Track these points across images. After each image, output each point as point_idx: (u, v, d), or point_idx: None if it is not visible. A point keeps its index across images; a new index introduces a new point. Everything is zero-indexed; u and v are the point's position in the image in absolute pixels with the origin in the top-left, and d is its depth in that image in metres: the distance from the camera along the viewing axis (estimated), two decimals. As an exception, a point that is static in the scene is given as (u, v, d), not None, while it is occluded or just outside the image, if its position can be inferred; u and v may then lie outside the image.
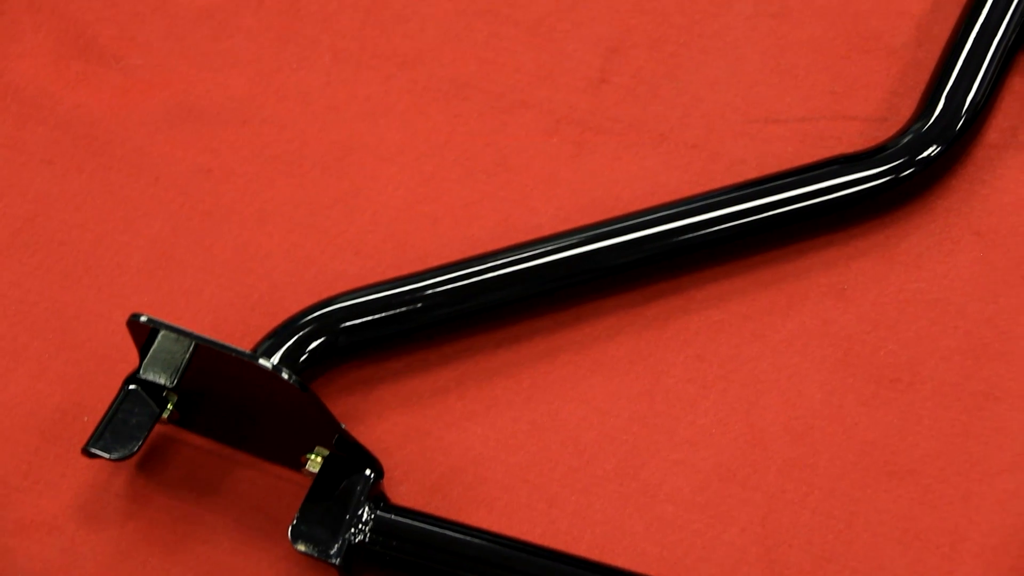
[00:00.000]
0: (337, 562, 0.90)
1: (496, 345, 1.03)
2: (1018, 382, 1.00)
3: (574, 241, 1.02)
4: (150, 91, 1.14)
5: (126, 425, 0.95)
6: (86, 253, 1.07)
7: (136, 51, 1.16)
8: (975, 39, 1.09)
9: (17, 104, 1.14)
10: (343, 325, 0.98)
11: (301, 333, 0.97)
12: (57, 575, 0.95)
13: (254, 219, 1.08)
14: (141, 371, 0.95)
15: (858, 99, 1.12)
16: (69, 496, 0.98)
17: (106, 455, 0.94)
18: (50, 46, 1.16)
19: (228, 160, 1.11)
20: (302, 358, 0.97)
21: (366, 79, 1.15)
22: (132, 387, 0.96)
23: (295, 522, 0.91)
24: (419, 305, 0.99)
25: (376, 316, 0.99)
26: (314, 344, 0.97)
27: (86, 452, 0.94)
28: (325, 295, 1.00)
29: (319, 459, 0.93)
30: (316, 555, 0.90)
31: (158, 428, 0.98)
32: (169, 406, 0.96)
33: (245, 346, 0.99)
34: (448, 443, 0.99)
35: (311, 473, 0.94)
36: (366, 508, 0.92)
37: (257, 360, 0.88)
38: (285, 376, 0.87)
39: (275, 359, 0.96)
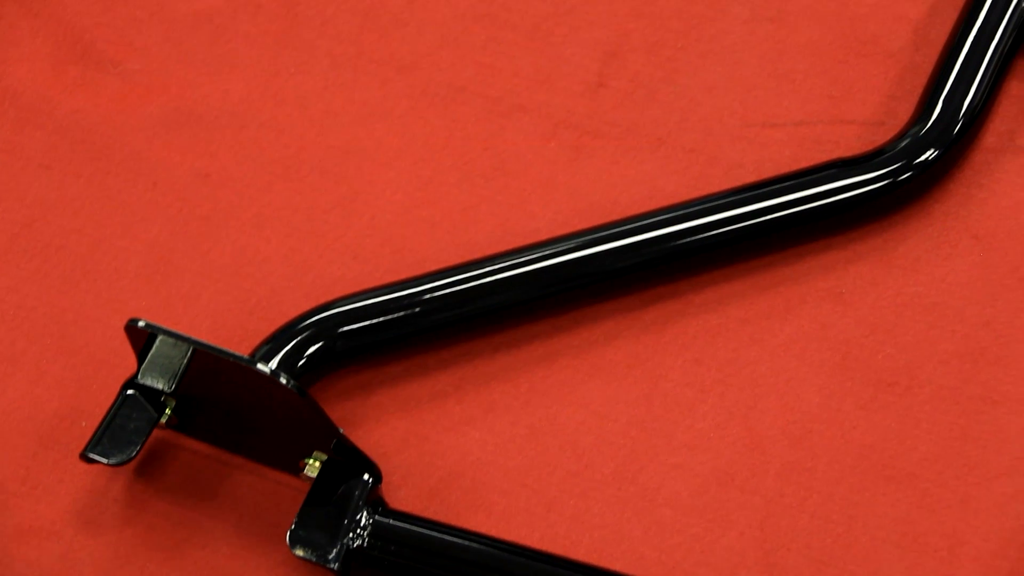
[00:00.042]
0: (335, 567, 0.90)
1: (494, 349, 1.03)
2: (1016, 386, 1.00)
3: (572, 245, 1.02)
4: (148, 96, 1.14)
5: (124, 430, 0.95)
6: (84, 258, 1.07)
7: (134, 56, 1.16)
8: (972, 43, 1.09)
9: (15, 109, 1.14)
10: (341, 330, 0.98)
11: (299, 338, 0.97)
12: (55, 580, 0.96)
13: (252, 224, 1.08)
14: (139, 376, 0.95)
15: (855, 103, 1.12)
16: (67, 501, 0.98)
17: (104, 460, 0.94)
18: (48, 51, 1.16)
19: (226, 165, 1.11)
20: (300, 363, 0.97)
21: (364, 83, 1.15)
22: (130, 392, 0.96)
23: (293, 527, 0.91)
24: (417, 309, 0.99)
25: (374, 321, 0.99)
26: (312, 349, 0.97)
27: (84, 457, 0.94)
28: (323, 300, 1.00)
29: (317, 464, 0.93)
30: (314, 560, 0.90)
31: (156, 433, 0.98)
32: (167, 411, 0.96)
33: (243, 351, 0.99)
34: (446, 447, 0.99)
35: (309, 478, 0.93)
36: (364, 513, 0.92)
37: (255, 365, 0.87)
38: (283, 381, 0.87)
39: (273, 364, 0.96)
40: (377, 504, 0.93)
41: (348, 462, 0.93)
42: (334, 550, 0.91)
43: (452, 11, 1.18)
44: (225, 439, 0.98)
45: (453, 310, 1.00)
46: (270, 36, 1.17)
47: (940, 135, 1.06)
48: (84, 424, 1.00)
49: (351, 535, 0.91)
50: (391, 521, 0.92)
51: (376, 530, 0.92)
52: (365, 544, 0.91)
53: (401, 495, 0.97)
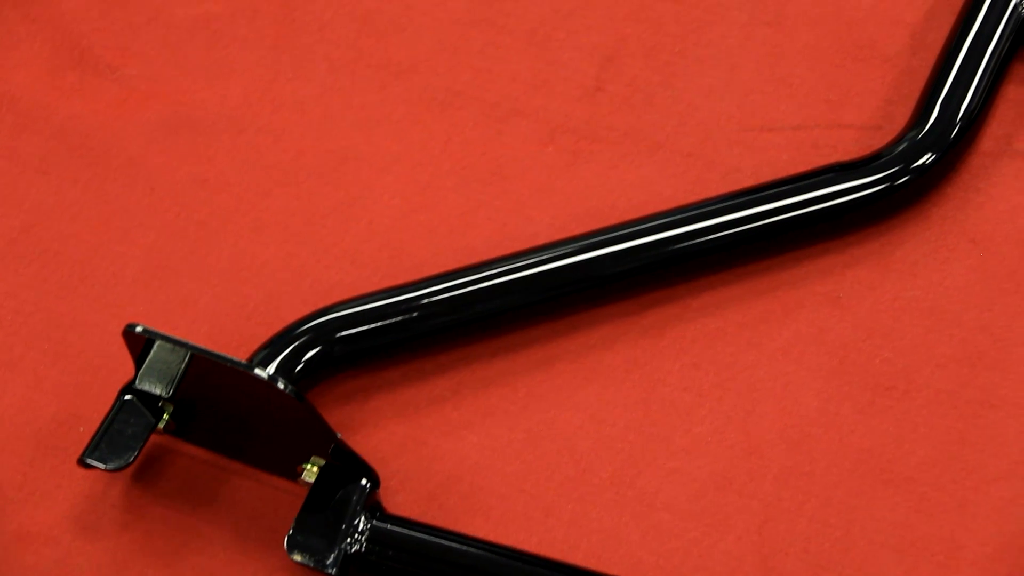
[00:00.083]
0: (333, 572, 0.90)
1: (492, 354, 1.03)
2: (1014, 389, 1.00)
3: (570, 250, 1.02)
4: (146, 101, 1.14)
5: (122, 435, 0.95)
6: (82, 263, 1.07)
7: (132, 61, 1.16)
8: (969, 47, 1.09)
9: (13, 114, 1.14)
10: (339, 335, 0.98)
11: (297, 343, 0.97)
12: (53, 586, 0.96)
13: (250, 229, 1.08)
14: (137, 381, 0.95)
15: (853, 107, 1.12)
16: (65, 507, 0.98)
17: (102, 466, 0.94)
18: (46, 56, 1.17)
19: (224, 170, 1.11)
20: (298, 368, 0.97)
21: (361, 88, 1.15)
22: (128, 397, 0.96)
23: (291, 532, 0.91)
24: (415, 314, 0.99)
25: (372, 325, 0.99)
26: (310, 354, 0.97)
27: (82, 463, 0.94)
28: (321, 305, 1.00)
29: (315, 469, 0.93)
30: (312, 565, 0.90)
31: (154, 438, 0.98)
32: (165, 416, 0.96)
33: (241, 356, 0.99)
34: (444, 452, 0.99)
35: (307, 483, 0.93)
36: (362, 518, 0.92)
37: (253, 370, 0.88)
38: (281, 386, 0.87)
39: (271, 369, 0.96)
40: (375, 509, 0.93)
41: (346, 467, 0.93)
42: (332, 555, 0.90)
43: (449, 16, 1.18)
44: (223, 444, 0.98)
45: (451, 315, 1.00)
46: (268, 41, 1.17)
47: (937, 139, 1.06)
48: (82, 429, 1.00)
49: (349, 540, 0.91)
50: (389, 526, 0.92)
51: (374, 535, 0.92)
52: (363, 549, 0.91)
53: (399, 500, 0.97)
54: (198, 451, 0.99)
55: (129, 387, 0.96)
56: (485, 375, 1.02)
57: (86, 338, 1.04)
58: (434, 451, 0.99)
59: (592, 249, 1.02)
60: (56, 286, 1.06)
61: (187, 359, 0.90)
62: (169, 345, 0.89)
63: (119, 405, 0.96)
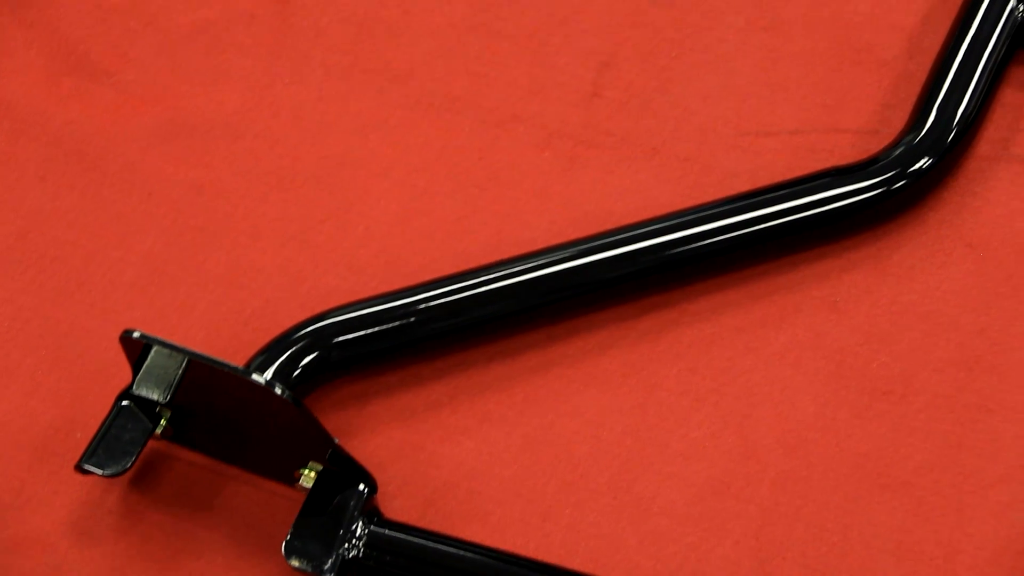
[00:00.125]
0: (331, 577, 0.90)
1: (489, 359, 1.03)
2: (1011, 393, 1.00)
3: (567, 255, 1.02)
4: (142, 107, 1.14)
5: (119, 441, 0.95)
6: (79, 269, 1.07)
7: (128, 67, 1.16)
8: (966, 51, 1.09)
9: (9, 120, 1.14)
10: (336, 340, 0.98)
11: (294, 348, 0.97)
12: (50, 592, 0.96)
13: (247, 234, 1.08)
14: (134, 387, 0.95)
15: (850, 111, 1.12)
16: (62, 513, 0.97)
17: (99, 471, 0.94)
18: (42, 62, 1.17)
19: (220, 175, 1.11)
20: (295, 373, 0.97)
21: (358, 94, 1.15)
22: (125, 403, 0.96)
23: (289, 537, 0.91)
24: (412, 319, 0.99)
25: (369, 331, 0.99)
26: (307, 359, 0.97)
27: (79, 468, 0.94)
28: (318, 310, 1.00)
29: (313, 474, 0.93)
30: (310, 570, 0.90)
31: (151, 444, 0.98)
32: (162, 422, 0.96)
33: (238, 361, 0.99)
34: (441, 457, 0.99)
35: (305, 488, 0.93)
36: (360, 523, 0.92)
37: (250, 375, 0.87)
38: (278, 391, 0.87)
39: (268, 374, 0.96)
40: (372, 514, 0.93)
41: (343, 472, 0.93)
42: (329, 560, 0.90)
43: (446, 21, 1.18)
44: (220, 450, 0.98)
45: (448, 320, 1.00)
46: (264, 47, 1.17)
47: (934, 143, 1.06)
48: (79, 435, 1.00)
49: (346, 545, 0.91)
50: (386, 531, 0.92)
51: (371, 540, 0.92)
52: (360, 554, 0.91)
53: (396, 505, 0.97)
54: (195, 456, 0.99)
55: (126, 393, 0.96)
56: (482, 380, 1.02)
57: (83, 344, 1.04)
58: (431, 456, 0.99)
59: (589, 254, 1.02)
60: (53, 292, 1.06)
61: (184, 364, 0.90)
62: (166, 350, 0.89)
63: (116, 411, 0.96)
